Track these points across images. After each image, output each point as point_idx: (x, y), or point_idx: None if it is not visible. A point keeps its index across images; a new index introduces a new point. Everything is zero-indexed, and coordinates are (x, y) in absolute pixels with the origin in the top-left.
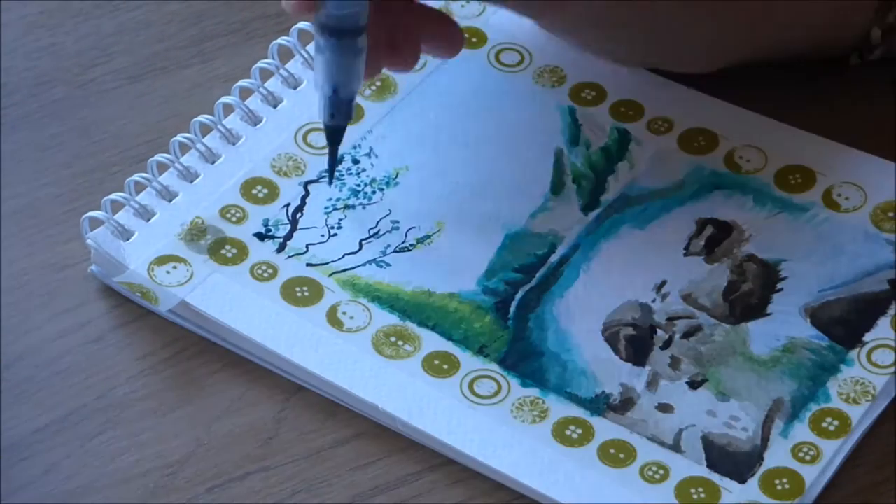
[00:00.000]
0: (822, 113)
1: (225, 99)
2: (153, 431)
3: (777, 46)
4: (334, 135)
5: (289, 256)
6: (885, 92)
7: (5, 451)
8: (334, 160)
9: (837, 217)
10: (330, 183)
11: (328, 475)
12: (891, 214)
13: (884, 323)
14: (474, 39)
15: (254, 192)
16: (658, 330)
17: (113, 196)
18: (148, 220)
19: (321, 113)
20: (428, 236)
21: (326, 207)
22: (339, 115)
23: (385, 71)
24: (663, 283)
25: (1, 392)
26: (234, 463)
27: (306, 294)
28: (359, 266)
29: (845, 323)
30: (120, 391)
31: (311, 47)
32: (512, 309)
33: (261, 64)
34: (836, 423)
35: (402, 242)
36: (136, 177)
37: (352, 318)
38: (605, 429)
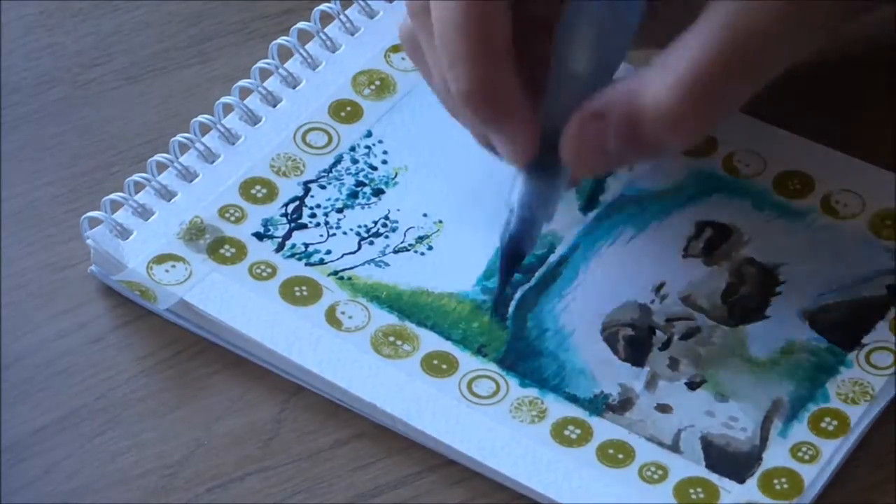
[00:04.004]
0: (822, 120)
1: (224, 99)
2: (153, 432)
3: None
4: (514, 260)
5: (287, 256)
6: (885, 99)
7: (5, 451)
8: (504, 286)
9: (836, 223)
10: (494, 314)
11: (328, 476)
12: (889, 223)
13: (882, 326)
14: None
15: (253, 191)
16: (657, 331)
17: (112, 196)
18: (147, 219)
19: (505, 233)
20: (427, 236)
21: (325, 207)
22: (526, 240)
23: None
24: (662, 284)
25: (1, 392)
26: (234, 463)
27: (305, 293)
28: (357, 266)
29: (844, 326)
30: (120, 391)
31: (310, 46)
32: (511, 308)
33: (260, 64)
34: (835, 422)
35: (401, 242)
36: (135, 177)
37: (350, 317)
38: (604, 429)
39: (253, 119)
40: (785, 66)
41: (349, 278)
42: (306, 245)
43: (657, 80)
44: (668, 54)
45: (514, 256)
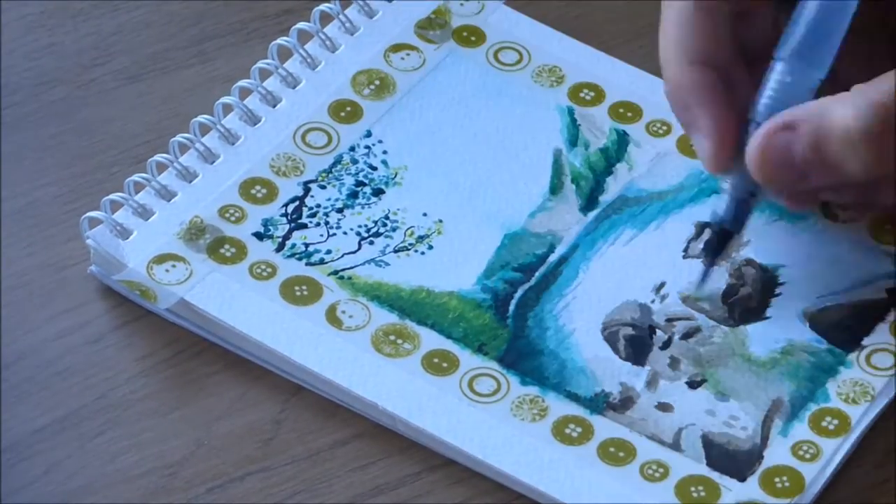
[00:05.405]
0: None
1: (224, 99)
2: (153, 431)
3: None
4: (723, 239)
5: (287, 256)
6: None
7: (5, 451)
8: (712, 264)
9: (835, 227)
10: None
11: (328, 476)
12: (889, 227)
13: (882, 329)
14: (473, 38)
15: (252, 192)
16: (657, 330)
17: (112, 196)
18: (147, 219)
19: (719, 213)
20: (427, 235)
21: (325, 207)
22: (736, 221)
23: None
24: (662, 284)
25: (1, 392)
26: (234, 463)
27: (305, 293)
28: (358, 265)
29: (844, 328)
30: (120, 391)
31: (310, 46)
32: (511, 307)
33: (260, 64)
34: (835, 422)
35: (401, 242)
36: (135, 177)
37: (351, 316)
38: (605, 427)
39: (253, 119)
40: None
41: (349, 278)
42: (306, 245)
43: (851, 100)
44: (869, 83)
45: (723, 236)
